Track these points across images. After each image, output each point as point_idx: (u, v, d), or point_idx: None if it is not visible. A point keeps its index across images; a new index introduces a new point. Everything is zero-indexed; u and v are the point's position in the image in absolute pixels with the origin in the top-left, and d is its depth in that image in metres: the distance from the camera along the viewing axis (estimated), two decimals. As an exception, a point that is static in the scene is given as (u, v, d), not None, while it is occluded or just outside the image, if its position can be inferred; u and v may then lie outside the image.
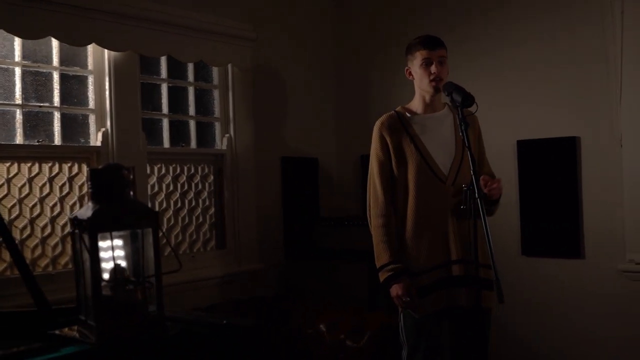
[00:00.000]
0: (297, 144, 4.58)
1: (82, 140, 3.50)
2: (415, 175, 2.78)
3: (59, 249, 3.35)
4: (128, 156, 3.51)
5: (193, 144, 4.07)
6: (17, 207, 3.21)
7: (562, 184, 3.79)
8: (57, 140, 3.39)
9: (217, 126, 4.20)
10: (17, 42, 3.24)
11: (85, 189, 3.40)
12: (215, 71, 4.18)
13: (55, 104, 3.40)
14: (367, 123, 4.74)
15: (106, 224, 1.57)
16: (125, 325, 1.59)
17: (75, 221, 1.60)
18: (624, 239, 3.61)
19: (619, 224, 3.63)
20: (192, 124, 4.08)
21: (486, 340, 2.76)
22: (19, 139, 3.23)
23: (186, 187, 3.98)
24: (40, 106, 3.34)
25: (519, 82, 3.97)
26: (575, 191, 3.75)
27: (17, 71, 3.25)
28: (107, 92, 3.53)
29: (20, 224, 3.22)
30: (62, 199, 3.37)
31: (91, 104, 3.53)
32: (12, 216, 3.19)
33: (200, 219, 4.06)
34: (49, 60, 3.39)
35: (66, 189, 3.39)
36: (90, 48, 3.51)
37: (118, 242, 1.64)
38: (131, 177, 1.65)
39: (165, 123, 3.92)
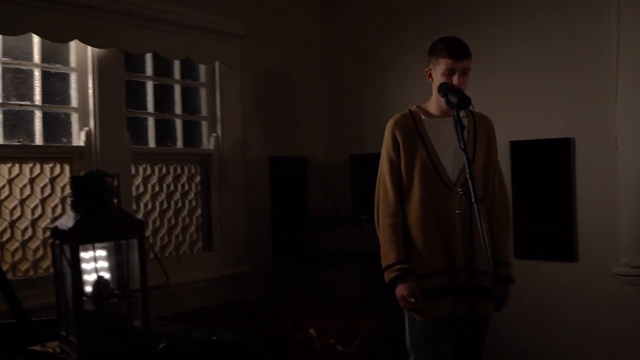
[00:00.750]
0: (286, 143, 4.50)
1: (65, 140, 3.40)
2: (423, 179, 2.76)
3: (40, 252, 3.25)
4: (112, 156, 3.43)
5: (179, 143, 3.98)
6: (-4, 209, 3.11)
7: (556, 186, 3.74)
8: (39, 140, 3.29)
9: (204, 125, 4.11)
10: (-3, 38, 3.13)
11: (67, 190, 3.30)
12: (202, 69, 4.10)
13: (37, 103, 3.29)
14: (357, 122, 4.73)
15: (88, 235, 1.49)
16: (108, 342, 1.51)
17: (55, 231, 1.51)
18: (618, 242, 3.57)
19: (613, 227, 3.58)
20: (178, 123, 3.99)
21: (483, 347, 2.77)
22: (-2, 139, 3.13)
23: (172, 188, 3.90)
24: (21, 105, 3.24)
25: (512, 83, 3.92)
26: (570, 193, 3.70)
27: (-3, 68, 3.15)
28: (91, 90, 3.43)
29: (0, 226, 3.12)
30: (43, 201, 3.27)
31: (74, 102, 3.43)
32: (-9, 219, 3.09)
33: (187, 221, 3.97)
34: (29, 57, 3.28)
35: (48, 191, 3.29)
36: (73, 44, 3.41)
37: (101, 253, 1.55)
38: (115, 184, 1.56)
39: (151, 122, 3.83)
